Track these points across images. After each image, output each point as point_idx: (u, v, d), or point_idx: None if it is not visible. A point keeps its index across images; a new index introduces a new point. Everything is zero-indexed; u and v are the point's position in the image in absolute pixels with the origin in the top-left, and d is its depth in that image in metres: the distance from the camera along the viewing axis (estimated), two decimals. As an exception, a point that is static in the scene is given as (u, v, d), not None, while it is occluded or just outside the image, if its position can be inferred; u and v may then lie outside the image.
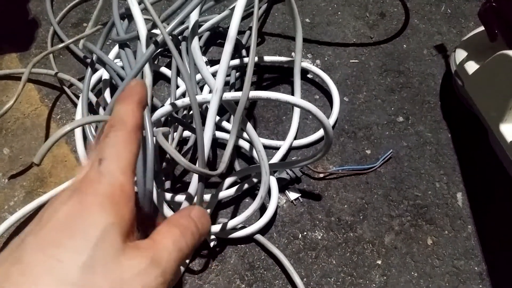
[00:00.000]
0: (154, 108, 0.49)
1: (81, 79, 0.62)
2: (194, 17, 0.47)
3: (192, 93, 0.40)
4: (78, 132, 0.55)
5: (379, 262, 0.52)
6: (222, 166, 0.40)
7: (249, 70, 0.41)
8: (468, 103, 0.58)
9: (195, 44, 0.45)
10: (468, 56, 0.57)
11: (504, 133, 0.48)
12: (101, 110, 0.55)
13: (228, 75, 0.64)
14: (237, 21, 0.43)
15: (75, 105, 0.60)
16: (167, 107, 0.44)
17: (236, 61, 0.62)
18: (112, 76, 0.52)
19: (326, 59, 0.68)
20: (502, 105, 0.48)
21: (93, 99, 0.56)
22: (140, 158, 0.39)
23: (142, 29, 0.46)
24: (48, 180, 0.57)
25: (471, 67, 0.56)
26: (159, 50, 0.49)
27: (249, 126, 0.46)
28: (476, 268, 0.51)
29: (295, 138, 0.60)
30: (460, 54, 0.59)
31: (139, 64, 0.41)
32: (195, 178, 0.40)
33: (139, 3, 0.50)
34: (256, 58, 0.65)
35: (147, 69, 0.44)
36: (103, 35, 0.52)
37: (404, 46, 0.69)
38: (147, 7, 0.43)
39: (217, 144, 0.59)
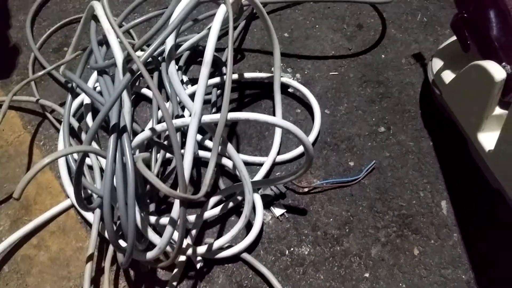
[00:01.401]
0: (134, 133, 0.50)
1: (62, 104, 0.62)
2: (170, 42, 0.47)
3: (169, 121, 0.40)
4: (61, 159, 0.55)
5: (366, 275, 0.52)
6: (203, 190, 0.40)
7: (226, 94, 0.41)
8: (446, 111, 0.59)
9: (172, 69, 0.46)
10: (444, 65, 0.58)
11: (482, 142, 0.49)
12: (83, 134, 0.55)
13: (209, 93, 0.64)
14: (212, 46, 0.43)
15: (58, 130, 0.60)
16: (146, 133, 0.45)
17: (216, 79, 0.63)
18: (92, 101, 0.52)
19: (306, 72, 0.69)
20: (479, 115, 0.49)
21: (75, 124, 0.56)
22: (121, 185, 0.39)
23: (118, 57, 0.46)
24: (33, 208, 0.56)
25: (448, 76, 0.56)
26: (137, 75, 0.50)
27: (229, 146, 0.46)
28: (463, 276, 0.51)
29: (278, 154, 0.60)
30: (437, 64, 0.60)
31: (116, 92, 0.41)
32: (177, 202, 0.40)
33: (120, 26, 0.50)
34: (236, 76, 0.66)
35: (125, 97, 0.44)
36: (82, 62, 0.52)
37: (383, 56, 0.70)
38: (120, 37, 0.43)
39: (200, 163, 0.59)
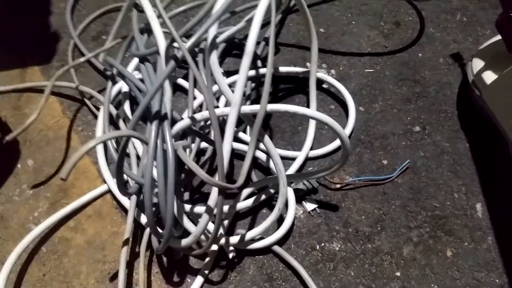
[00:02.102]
0: (173, 121, 0.50)
1: (101, 91, 0.63)
2: (212, 32, 0.48)
3: (211, 109, 0.41)
4: (99, 145, 0.56)
5: (397, 274, 0.51)
6: (241, 179, 0.40)
7: (266, 86, 0.42)
8: (486, 112, 0.58)
9: (214, 59, 0.46)
10: (485, 65, 0.57)
11: (523, 144, 0.48)
12: (121, 122, 0.56)
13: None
14: (254, 36, 0.44)
15: (96, 117, 0.61)
16: (186, 121, 0.45)
17: (251, 72, 0.63)
18: (131, 89, 0.53)
19: (341, 68, 0.68)
20: (521, 116, 0.48)
21: (113, 111, 0.57)
22: (162, 172, 0.39)
23: (161, 45, 0.46)
24: (70, 191, 0.58)
25: (489, 76, 0.55)
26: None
27: (266, 138, 0.46)
28: (497, 280, 0.51)
29: (311, 149, 0.60)
30: (477, 64, 0.59)
31: (159, 80, 0.42)
32: (214, 191, 0.41)
33: (158, 17, 0.51)
34: (272, 69, 0.66)
35: (167, 85, 0.44)
36: (123, 49, 0.53)
37: (420, 55, 0.69)
38: (167, 24, 0.44)
39: (234, 155, 0.60)
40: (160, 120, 0.42)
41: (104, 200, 0.57)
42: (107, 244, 0.54)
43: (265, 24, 0.72)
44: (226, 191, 0.41)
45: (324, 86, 0.67)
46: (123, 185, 0.44)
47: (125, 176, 0.53)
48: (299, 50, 0.71)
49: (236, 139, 0.58)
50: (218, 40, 0.64)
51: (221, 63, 0.70)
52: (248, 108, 0.44)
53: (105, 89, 0.58)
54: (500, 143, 0.56)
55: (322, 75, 0.65)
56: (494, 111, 0.54)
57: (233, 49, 0.70)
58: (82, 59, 0.58)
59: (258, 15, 0.45)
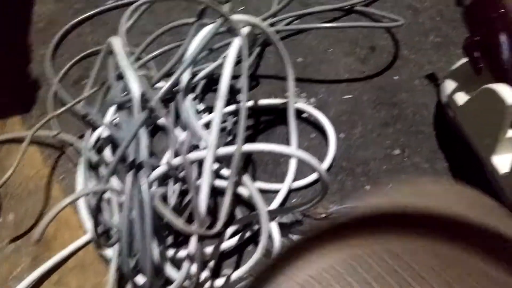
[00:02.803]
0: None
1: (82, 136, 0.64)
2: (185, 77, 0.49)
3: (184, 159, 0.41)
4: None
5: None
6: (219, 225, 0.41)
7: (241, 131, 0.42)
8: (461, 133, 0.58)
9: (187, 104, 0.47)
10: (457, 87, 0.58)
11: (496, 165, 0.49)
12: (102, 168, 0.57)
13: (225, 121, 0.65)
14: (226, 80, 0.45)
15: (76, 165, 0.61)
16: (162, 168, 0.46)
17: (232, 107, 0.64)
18: (111, 135, 0.53)
19: (320, 96, 0.69)
20: (492, 137, 0.49)
21: (94, 157, 0.58)
22: (139, 223, 0.40)
23: (135, 93, 0.47)
24: (52, 244, 0.57)
25: (461, 98, 0.56)
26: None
27: (245, 178, 0.47)
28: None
29: (294, 180, 0.60)
30: (449, 85, 0.60)
31: (132, 130, 0.42)
32: (194, 238, 0.41)
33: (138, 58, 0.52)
34: (251, 103, 0.66)
35: (142, 132, 0.45)
36: (101, 97, 0.53)
37: (396, 78, 0.71)
38: (134, 76, 0.45)
39: (217, 192, 0.60)
40: (136, 170, 0.43)
41: (87, 250, 0.56)
42: (92, 296, 0.54)
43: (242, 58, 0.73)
44: (205, 237, 0.41)
45: (304, 115, 0.67)
46: (99, 242, 0.44)
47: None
48: (279, 81, 0.72)
49: (219, 175, 0.58)
50: (198, 77, 0.66)
51: (202, 99, 0.71)
52: (224, 150, 0.45)
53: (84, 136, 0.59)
54: (476, 162, 0.57)
55: (301, 104, 0.66)
56: (468, 133, 0.55)
57: (213, 84, 0.71)
58: (61, 109, 0.59)
59: (230, 59, 0.47)
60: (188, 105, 0.48)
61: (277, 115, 0.67)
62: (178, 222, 0.37)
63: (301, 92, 0.70)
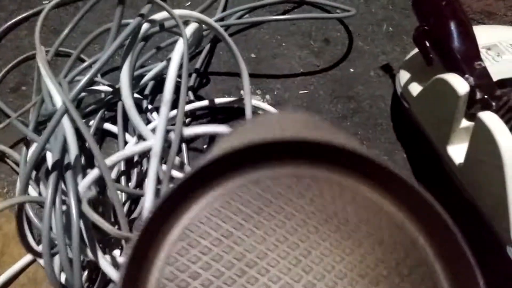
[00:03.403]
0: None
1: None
2: (124, 76, 0.46)
3: (101, 161, 0.39)
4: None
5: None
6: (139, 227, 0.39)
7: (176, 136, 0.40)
8: (417, 124, 0.58)
9: (130, 104, 0.44)
10: (411, 77, 0.58)
11: (451, 155, 0.49)
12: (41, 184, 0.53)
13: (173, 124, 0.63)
14: (171, 86, 0.43)
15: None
16: (95, 172, 0.43)
17: (187, 107, 0.61)
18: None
19: (275, 93, 0.68)
20: (446, 128, 0.48)
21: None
22: (61, 233, 0.37)
23: (58, 104, 0.44)
24: (1, 260, 0.54)
25: (415, 89, 0.56)
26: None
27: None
28: None
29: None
30: (404, 76, 0.59)
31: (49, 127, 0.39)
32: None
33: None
34: (206, 102, 0.64)
35: (70, 141, 0.42)
36: (36, 109, 0.50)
37: (351, 70, 0.70)
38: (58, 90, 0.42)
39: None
40: (59, 173, 0.39)
41: (39, 265, 0.53)
42: (44, 313, 0.51)
43: (195, 55, 0.71)
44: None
45: (260, 112, 0.66)
46: (34, 251, 0.41)
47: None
48: (232, 78, 0.70)
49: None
50: (146, 78, 0.63)
51: (152, 100, 0.68)
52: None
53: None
54: (433, 154, 0.57)
55: (257, 102, 0.64)
56: (423, 123, 0.54)
57: (163, 85, 0.68)
58: (1, 125, 0.56)
59: (173, 64, 0.45)
60: (130, 104, 0.45)
61: (233, 114, 0.65)
62: (106, 225, 0.35)
63: (256, 89, 0.68)
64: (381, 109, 0.65)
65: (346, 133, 0.38)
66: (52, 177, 0.38)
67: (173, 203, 0.35)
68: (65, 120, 0.42)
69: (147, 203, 0.40)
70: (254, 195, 0.37)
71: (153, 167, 0.41)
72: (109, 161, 0.43)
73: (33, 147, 0.53)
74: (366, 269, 0.37)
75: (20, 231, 0.37)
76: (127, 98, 0.45)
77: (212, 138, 0.63)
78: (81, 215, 0.39)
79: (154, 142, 0.41)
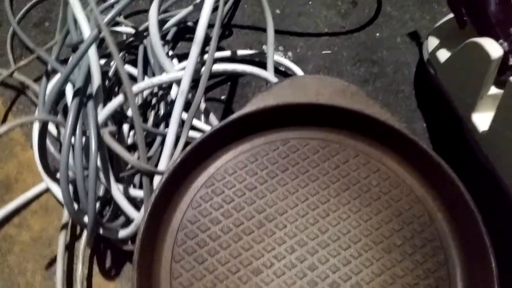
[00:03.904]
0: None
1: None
2: (153, 13, 0.45)
3: (129, 90, 0.38)
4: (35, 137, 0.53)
5: None
6: (167, 164, 0.39)
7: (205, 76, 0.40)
8: (442, 91, 0.57)
9: (156, 40, 0.44)
10: (440, 43, 0.56)
11: (475, 123, 0.48)
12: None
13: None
14: (204, 24, 0.42)
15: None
16: (119, 98, 0.42)
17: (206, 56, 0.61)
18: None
19: (298, 50, 0.67)
20: (474, 94, 0.47)
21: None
22: (80, 157, 0.37)
23: (86, 32, 0.43)
24: (14, 187, 0.55)
25: (443, 55, 0.54)
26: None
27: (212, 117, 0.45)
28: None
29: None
30: (432, 42, 0.58)
31: (79, 51, 0.39)
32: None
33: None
34: (228, 53, 0.63)
35: (94, 70, 0.41)
36: (60, 41, 0.49)
37: (377, 34, 0.68)
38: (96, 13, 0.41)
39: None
40: (81, 100, 0.39)
41: (51, 195, 0.54)
42: (54, 239, 0.51)
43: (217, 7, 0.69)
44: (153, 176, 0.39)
45: (281, 69, 0.65)
46: (52, 174, 0.41)
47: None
48: (255, 32, 0.69)
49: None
50: (168, 24, 0.62)
51: (173, 47, 0.67)
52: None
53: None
54: (455, 122, 0.56)
55: (279, 58, 0.63)
56: (449, 90, 0.53)
57: (185, 33, 0.68)
58: (25, 61, 0.55)
59: (207, 2, 0.44)
60: (157, 40, 0.44)
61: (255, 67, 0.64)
62: (128, 155, 0.35)
63: (278, 45, 0.67)
64: (404, 76, 0.64)
65: (381, 105, 0.38)
66: (74, 102, 0.38)
67: (204, 150, 0.36)
68: (91, 50, 0.41)
69: (169, 141, 0.40)
70: (281, 154, 0.37)
71: (179, 104, 0.40)
72: (136, 87, 0.42)
73: (55, 79, 0.53)
74: (381, 236, 0.37)
75: (40, 150, 0.37)
76: (155, 36, 0.45)
77: (232, 88, 0.63)
78: (100, 146, 0.39)
79: (183, 76, 0.40)
